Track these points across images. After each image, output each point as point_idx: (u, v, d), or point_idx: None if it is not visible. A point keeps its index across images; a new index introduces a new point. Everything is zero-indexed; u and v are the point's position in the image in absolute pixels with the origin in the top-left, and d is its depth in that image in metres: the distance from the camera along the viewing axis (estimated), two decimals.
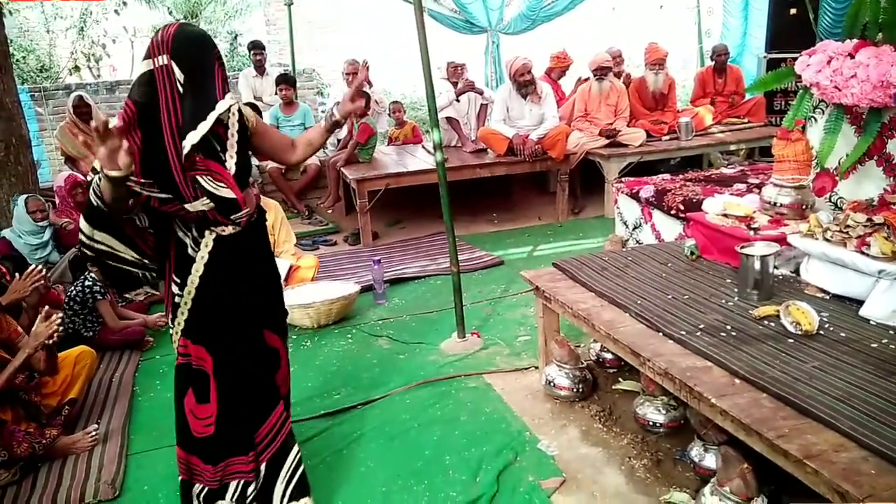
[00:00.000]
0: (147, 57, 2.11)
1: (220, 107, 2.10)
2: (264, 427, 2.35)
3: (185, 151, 2.07)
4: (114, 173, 1.96)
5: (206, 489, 2.34)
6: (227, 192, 2.15)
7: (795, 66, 3.25)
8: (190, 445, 2.34)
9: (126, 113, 2.10)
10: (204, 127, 2.07)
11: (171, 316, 2.31)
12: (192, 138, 2.06)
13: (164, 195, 2.10)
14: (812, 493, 1.76)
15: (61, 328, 2.86)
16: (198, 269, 2.22)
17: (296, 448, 2.43)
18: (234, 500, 2.34)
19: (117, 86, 9.05)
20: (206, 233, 2.21)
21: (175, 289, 2.26)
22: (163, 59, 2.07)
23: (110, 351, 3.97)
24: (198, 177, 2.12)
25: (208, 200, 2.14)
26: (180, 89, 2.08)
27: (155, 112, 2.09)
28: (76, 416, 3.24)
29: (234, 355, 2.31)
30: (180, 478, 2.37)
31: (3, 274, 3.54)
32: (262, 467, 2.36)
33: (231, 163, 2.20)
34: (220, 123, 2.17)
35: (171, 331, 2.33)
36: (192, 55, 2.10)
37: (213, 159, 2.16)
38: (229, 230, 2.22)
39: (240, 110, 2.27)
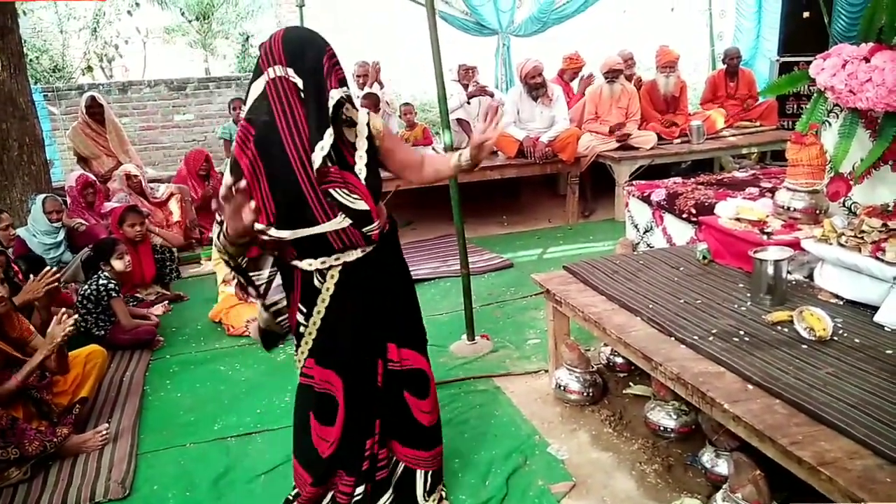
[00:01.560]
0: (258, 74, 1.98)
1: (333, 96, 1.93)
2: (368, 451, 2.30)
3: (317, 164, 1.94)
4: (236, 230, 1.89)
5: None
6: (362, 205, 2.04)
7: (810, 70, 3.22)
8: (307, 461, 2.33)
9: (243, 135, 1.99)
10: (329, 135, 1.93)
11: (296, 337, 2.27)
12: (323, 145, 1.92)
13: (286, 235, 2.02)
14: (826, 501, 1.74)
15: (73, 327, 2.88)
16: (324, 299, 2.15)
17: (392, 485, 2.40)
18: None
19: (129, 86, 9.11)
20: (333, 261, 2.11)
21: (300, 318, 2.19)
22: (277, 70, 1.94)
23: (121, 350, 3.99)
24: (331, 190, 2.00)
25: (343, 217, 2.03)
26: (301, 96, 1.95)
27: (275, 130, 1.96)
28: (87, 415, 3.26)
29: (363, 380, 2.24)
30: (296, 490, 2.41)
31: (15, 273, 3.57)
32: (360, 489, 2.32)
33: (362, 175, 2.07)
34: (349, 126, 2.07)
35: (296, 351, 2.29)
36: (306, 57, 1.95)
37: (345, 170, 2.04)
38: (356, 255, 2.12)
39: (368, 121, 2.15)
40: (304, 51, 1.96)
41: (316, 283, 2.14)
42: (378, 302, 2.23)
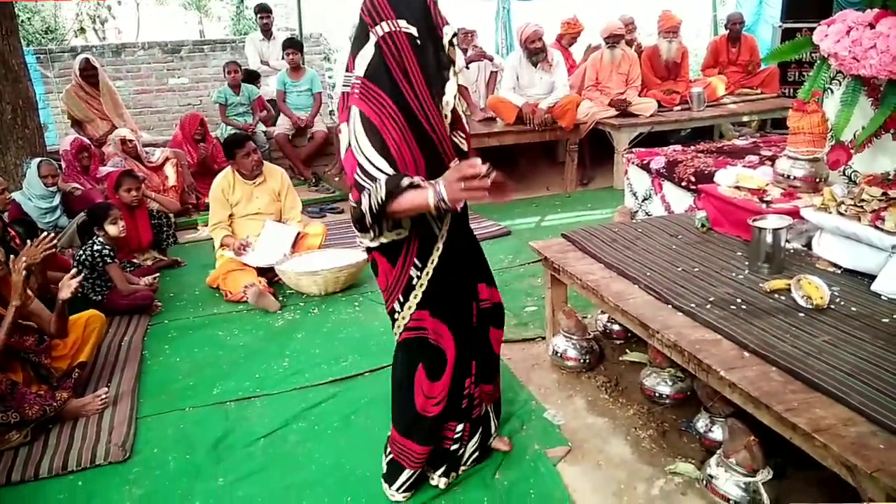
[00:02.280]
0: (365, 38, 1.94)
1: (447, 33, 1.93)
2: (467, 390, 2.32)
3: (448, 108, 1.96)
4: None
5: (414, 476, 2.32)
6: (465, 146, 2.11)
7: (813, 36, 3.18)
8: (411, 427, 2.26)
9: (365, 91, 1.92)
10: (454, 79, 1.95)
11: (397, 294, 2.15)
12: (451, 88, 1.94)
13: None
14: (818, 467, 1.77)
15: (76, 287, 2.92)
16: (438, 248, 2.11)
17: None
18: (441, 476, 2.37)
19: (123, 49, 8.99)
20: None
21: (413, 271, 2.11)
22: (388, 26, 1.90)
23: (119, 315, 3.99)
24: (453, 135, 2.04)
25: (457, 161, 2.02)
26: (418, 43, 1.92)
27: (396, 85, 1.92)
28: (86, 380, 3.28)
29: (466, 324, 2.24)
30: (391, 457, 2.34)
31: (12, 238, 3.55)
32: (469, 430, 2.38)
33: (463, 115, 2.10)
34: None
35: (398, 310, 2.17)
36: (412, 5, 1.92)
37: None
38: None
39: None
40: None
41: (435, 229, 2.11)
42: (471, 244, 2.29)
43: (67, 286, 2.94)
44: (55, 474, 2.62)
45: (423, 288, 2.13)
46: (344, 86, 2.03)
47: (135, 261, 4.67)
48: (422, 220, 2.06)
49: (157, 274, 4.55)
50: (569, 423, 2.74)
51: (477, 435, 2.44)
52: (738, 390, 1.96)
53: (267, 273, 4.32)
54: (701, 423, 2.52)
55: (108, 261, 3.99)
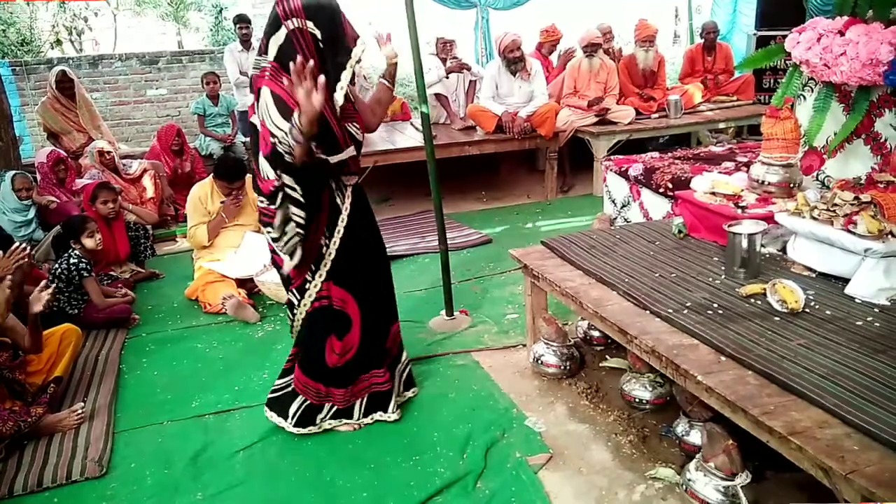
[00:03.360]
0: (276, 27, 2.29)
1: (357, 51, 2.33)
2: (388, 341, 2.83)
3: (339, 102, 2.36)
4: (311, 111, 2.13)
5: (335, 408, 2.77)
6: (359, 137, 2.55)
7: (785, 44, 3.23)
8: (321, 375, 2.70)
9: (274, 71, 2.29)
10: (346, 75, 2.33)
11: (310, 267, 2.55)
12: (342, 85, 2.33)
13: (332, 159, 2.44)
14: (796, 470, 1.78)
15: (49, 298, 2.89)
16: (343, 218, 2.54)
17: (405, 350, 3.00)
18: (362, 414, 2.81)
19: (100, 60, 8.91)
20: (344, 183, 2.55)
21: (323, 240, 2.53)
22: (296, 23, 2.27)
23: (96, 329, 3.94)
24: (348, 125, 2.47)
25: (352, 148, 2.49)
26: (320, 45, 2.31)
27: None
28: (62, 395, 3.22)
29: (372, 290, 2.70)
30: (307, 402, 2.74)
31: None
32: (395, 373, 2.88)
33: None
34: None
35: (309, 279, 2.56)
36: (323, 12, 2.31)
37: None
38: (354, 180, 2.58)
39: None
40: (320, 6, 2.31)
41: (338, 201, 2.54)
42: (370, 221, 2.74)
43: (38, 299, 2.89)
44: (30, 491, 2.57)
45: (332, 257, 2.55)
46: (254, 69, 2.35)
47: (112, 273, 4.62)
48: (330, 197, 2.51)
49: (131, 294, 4.44)
50: (550, 431, 2.74)
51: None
52: (715, 394, 1.98)
53: (246, 284, 4.29)
54: (680, 427, 2.54)
55: (85, 275, 3.94)
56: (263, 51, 2.37)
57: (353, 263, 2.60)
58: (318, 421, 2.77)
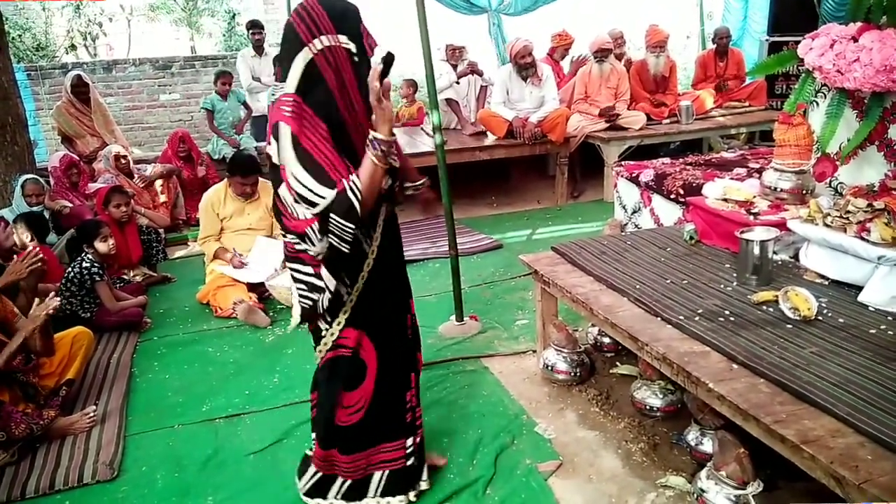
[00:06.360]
0: (297, 48, 1.88)
1: (376, 60, 1.91)
2: (408, 394, 2.32)
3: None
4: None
5: (349, 483, 2.29)
6: (396, 164, 2.08)
7: (798, 50, 3.22)
8: (331, 439, 2.26)
9: (297, 108, 1.88)
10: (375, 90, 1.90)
11: (324, 314, 2.15)
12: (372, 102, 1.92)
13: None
14: (808, 479, 1.77)
15: (58, 306, 2.88)
16: (369, 262, 2.12)
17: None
18: (378, 493, 2.31)
19: (114, 65, 8.99)
20: (375, 220, 2.10)
21: (343, 289, 2.10)
22: (326, 40, 1.88)
23: (108, 332, 3.97)
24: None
25: (389, 179, 2.06)
26: (355, 60, 1.93)
27: (332, 98, 1.92)
28: (74, 397, 3.25)
29: (393, 337, 2.25)
30: (319, 475, 2.32)
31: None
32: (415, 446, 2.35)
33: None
34: None
35: (325, 327, 2.18)
36: (351, 21, 1.94)
37: None
38: (386, 213, 2.14)
39: None
40: (346, 14, 1.93)
41: (364, 246, 2.10)
42: (400, 260, 2.31)
43: (35, 319, 2.85)
44: (42, 494, 2.59)
45: (353, 304, 2.14)
46: (272, 95, 2.02)
47: (124, 277, 4.65)
48: (353, 240, 2.00)
49: (143, 298, 4.47)
50: (560, 437, 2.73)
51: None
52: (727, 402, 1.97)
53: (257, 288, 4.31)
54: (691, 435, 2.52)
55: (97, 279, 3.97)
56: (280, 77, 2.00)
57: (374, 303, 2.18)
58: (328, 496, 2.32)
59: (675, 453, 2.58)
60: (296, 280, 2.10)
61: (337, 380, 2.22)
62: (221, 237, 4.55)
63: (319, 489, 2.33)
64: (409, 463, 2.33)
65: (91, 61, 9.89)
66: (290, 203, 1.96)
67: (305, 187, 1.86)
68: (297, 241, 2.02)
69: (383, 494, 2.32)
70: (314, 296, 2.06)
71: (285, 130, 1.87)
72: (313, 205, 1.88)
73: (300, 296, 2.09)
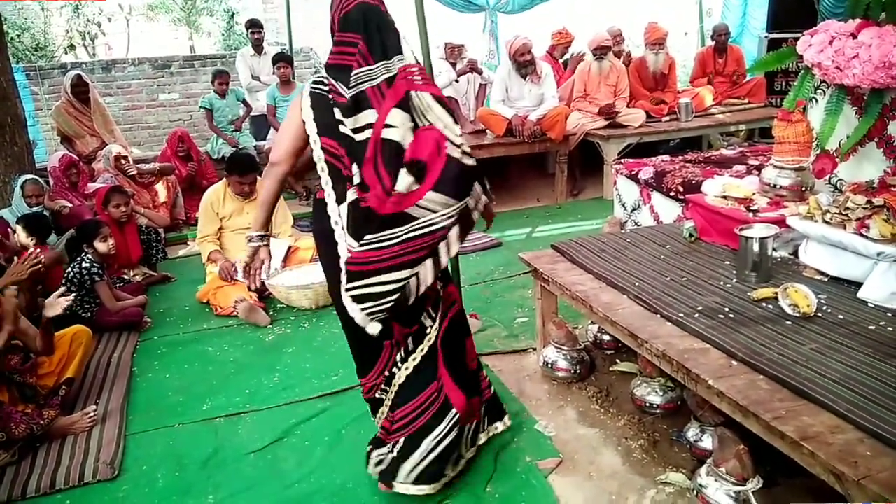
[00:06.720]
0: (393, 25, 2.15)
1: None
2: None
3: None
4: None
5: (475, 426, 2.51)
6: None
7: (797, 47, 3.21)
8: (471, 388, 2.45)
9: (423, 74, 2.16)
10: None
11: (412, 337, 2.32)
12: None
13: None
14: (808, 475, 1.77)
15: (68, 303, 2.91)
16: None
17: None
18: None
19: (113, 65, 8.98)
20: None
21: (428, 321, 2.33)
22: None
23: (108, 332, 3.97)
24: None
25: None
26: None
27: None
28: (74, 397, 3.25)
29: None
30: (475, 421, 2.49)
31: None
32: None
33: None
34: None
35: (429, 324, 2.34)
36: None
37: None
38: None
39: None
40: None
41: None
42: None
43: (54, 305, 2.91)
44: (42, 493, 2.59)
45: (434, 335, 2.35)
46: (369, 80, 2.09)
47: (124, 276, 4.65)
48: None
49: (143, 297, 4.48)
50: (560, 435, 2.74)
51: None
52: (727, 399, 1.97)
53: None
54: (691, 432, 2.52)
55: (97, 279, 3.97)
56: (378, 56, 2.09)
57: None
58: (465, 452, 2.46)
59: (675, 450, 2.58)
60: (375, 295, 2.10)
61: (460, 334, 2.44)
62: (221, 236, 4.55)
63: (443, 459, 2.33)
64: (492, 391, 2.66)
65: (90, 61, 9.88)
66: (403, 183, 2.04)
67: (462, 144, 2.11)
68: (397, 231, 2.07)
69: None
70: (397, 296, 2.10)
71: (426, 96, 2.08)
72: (470, 156, 2.14)
73: (377, 310, 2.12)
